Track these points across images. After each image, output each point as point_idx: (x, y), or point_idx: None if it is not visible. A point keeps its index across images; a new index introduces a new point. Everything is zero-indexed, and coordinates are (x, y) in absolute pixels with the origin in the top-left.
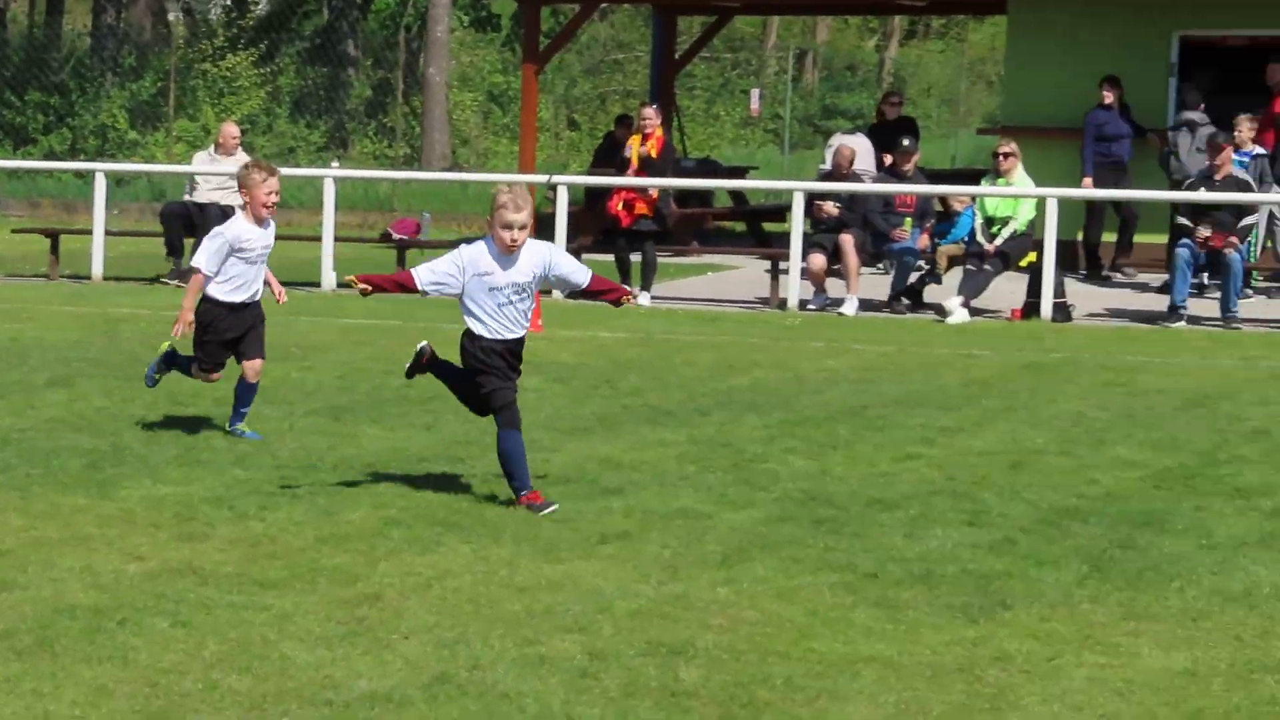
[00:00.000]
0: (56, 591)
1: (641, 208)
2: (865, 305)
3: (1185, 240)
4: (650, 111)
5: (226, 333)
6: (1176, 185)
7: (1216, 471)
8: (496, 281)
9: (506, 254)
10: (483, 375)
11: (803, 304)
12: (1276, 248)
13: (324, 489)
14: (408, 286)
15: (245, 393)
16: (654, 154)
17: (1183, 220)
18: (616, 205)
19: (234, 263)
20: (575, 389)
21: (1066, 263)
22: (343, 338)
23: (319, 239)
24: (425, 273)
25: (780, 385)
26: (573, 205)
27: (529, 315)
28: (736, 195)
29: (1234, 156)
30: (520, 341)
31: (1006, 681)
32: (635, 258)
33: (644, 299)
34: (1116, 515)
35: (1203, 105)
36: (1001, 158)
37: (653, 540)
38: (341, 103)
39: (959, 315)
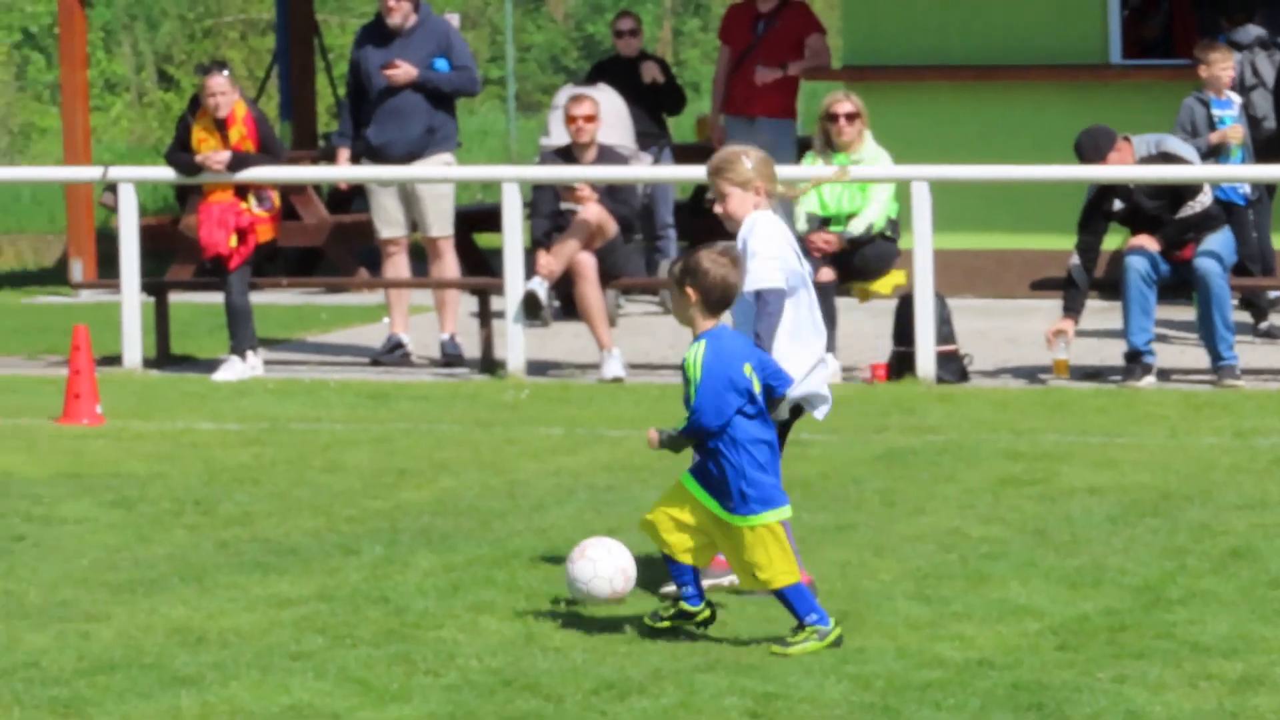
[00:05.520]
0: None
1: (266, 232)
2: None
3: (1140, 247)
4: (220, 81)
5: None
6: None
7: (1163, 618)
8: None
9: None
10: None
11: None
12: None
13: None
14: None
15: None
16: (251, 146)
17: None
18: (222, 239)
19: None
20: (143, 516)
21: (959, 287)
22: None
23: None
24: None
25: (482, 500)
26: (154, 215)
27: None
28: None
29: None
30: None
31: None
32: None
33: (233, 369)
34: (989, 695)
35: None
36: (841, 121)
37: None
38: None
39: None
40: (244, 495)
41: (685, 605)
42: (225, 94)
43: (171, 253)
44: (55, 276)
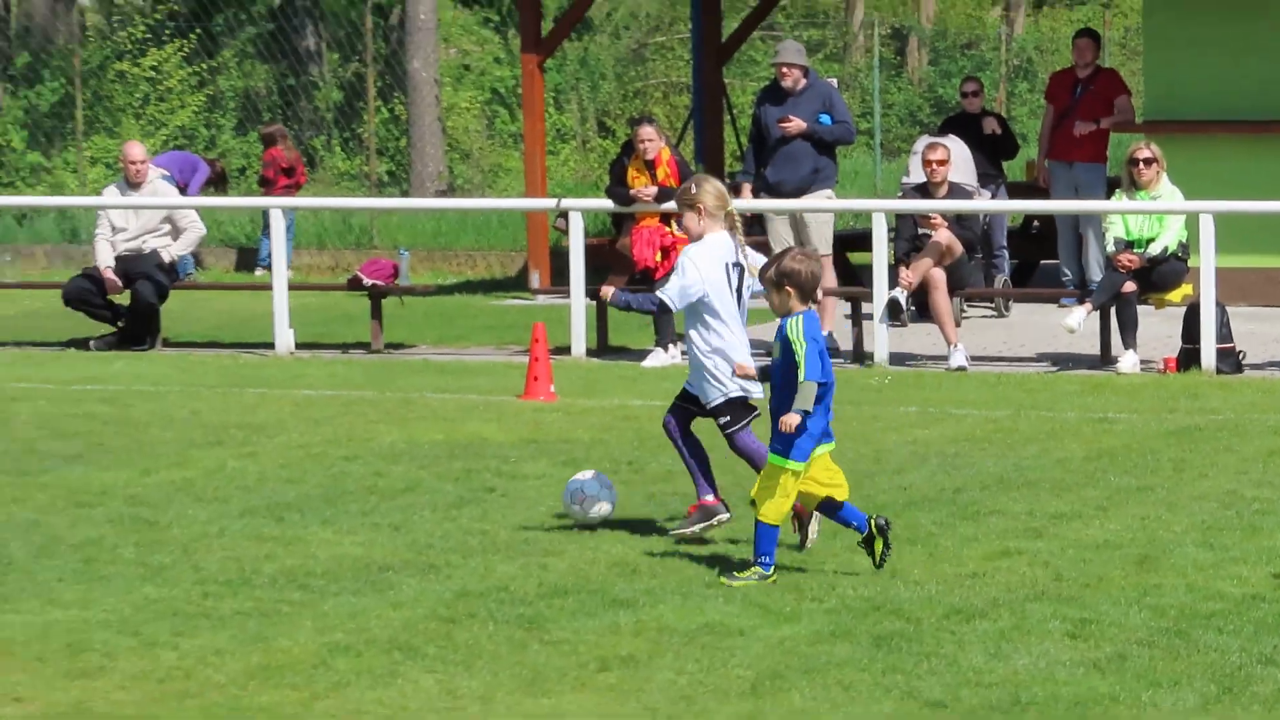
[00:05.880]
0: None
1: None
2: (979, 358)
3: None
4: (650, 130)
5: None
6: None
7: None
8: None
9: None
10: None
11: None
12: None
13: (256, 609)
14: None
15: None
16: (673, 182)
17: None
18: (650, 256)
19: None
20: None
21: (1236, 297)
22: (296, 414)
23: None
24: None
25: (853, 464)
26: (595, 236)
27: None
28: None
29: None
30: None
31: None
32: None
33: (658, 358)
34: (1261, 623)
35: None
36: (1141, 165)
37: (665, 665)
38: (302, 109)
39: (1129, 362)
40: (665, 458)
41: (761, 570)
42: (653, 140)
43: (608, 266)
44: (517, 284)
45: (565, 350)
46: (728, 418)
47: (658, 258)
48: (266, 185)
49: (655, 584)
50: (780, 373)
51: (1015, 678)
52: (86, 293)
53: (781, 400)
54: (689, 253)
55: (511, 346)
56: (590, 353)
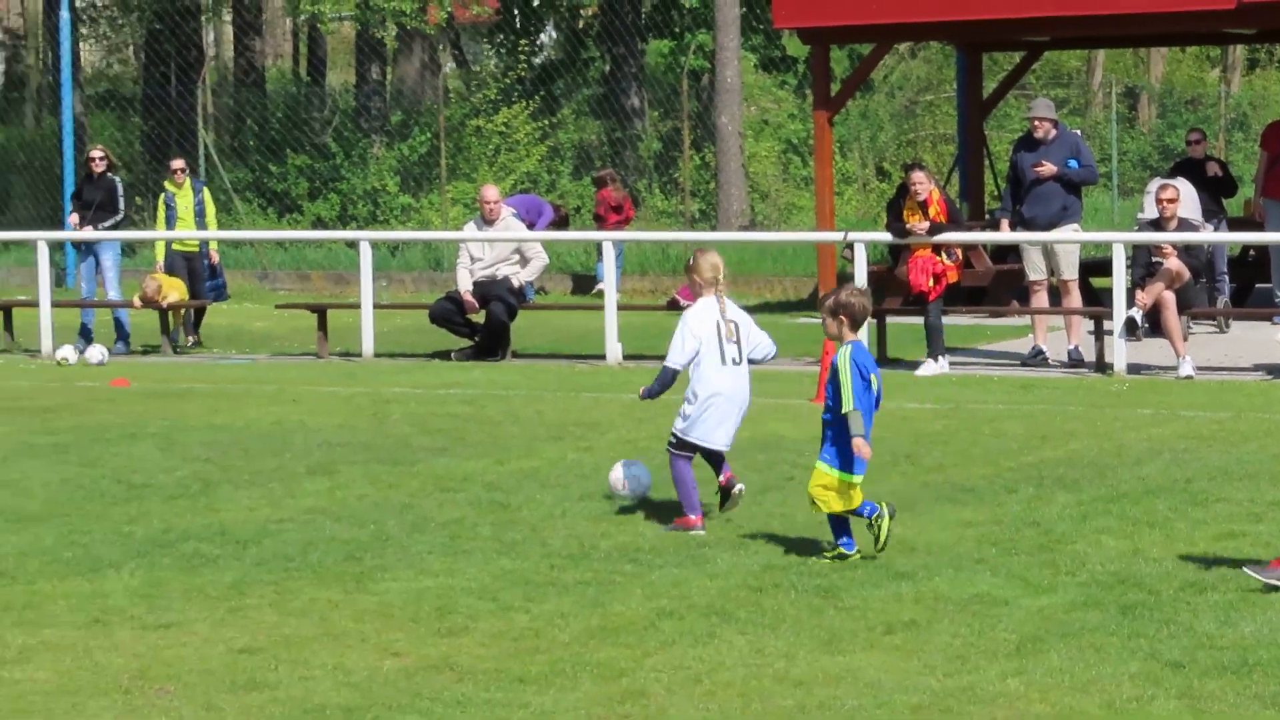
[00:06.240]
0: (307, 691)
1: (952, 276)
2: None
3: None
4: (920, 175)
5: None
6: None
7: None
8: None
9: None
10: None
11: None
12: None
13: (594, 579)
14: None
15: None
16: (943, 219)
17: None
18: (924, 281)
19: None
20: (871, 466)
21: None
22: (624, 415)
23: (602, 308)
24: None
25: (1097, 457)
26: (875, 264)
27: None
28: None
29: None
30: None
31: None
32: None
33: (930, 368)
34: None
35: None
36: None
37: (942, 629)
38: (628, 158)
39: None
40: (938, 452)
41: (843, 550)
42: (924, 183)
43: (885, 289)
44: (808, 305)
45: None
46: (673, 444)
47: (930, 283)
48: (599, 221)
49: (930, 560)
50: (832, 394)
51: (1243, 642)
52: (449, 312)
53: (836, 418)
54: (684, 317)
55: (805, 358)
56: None
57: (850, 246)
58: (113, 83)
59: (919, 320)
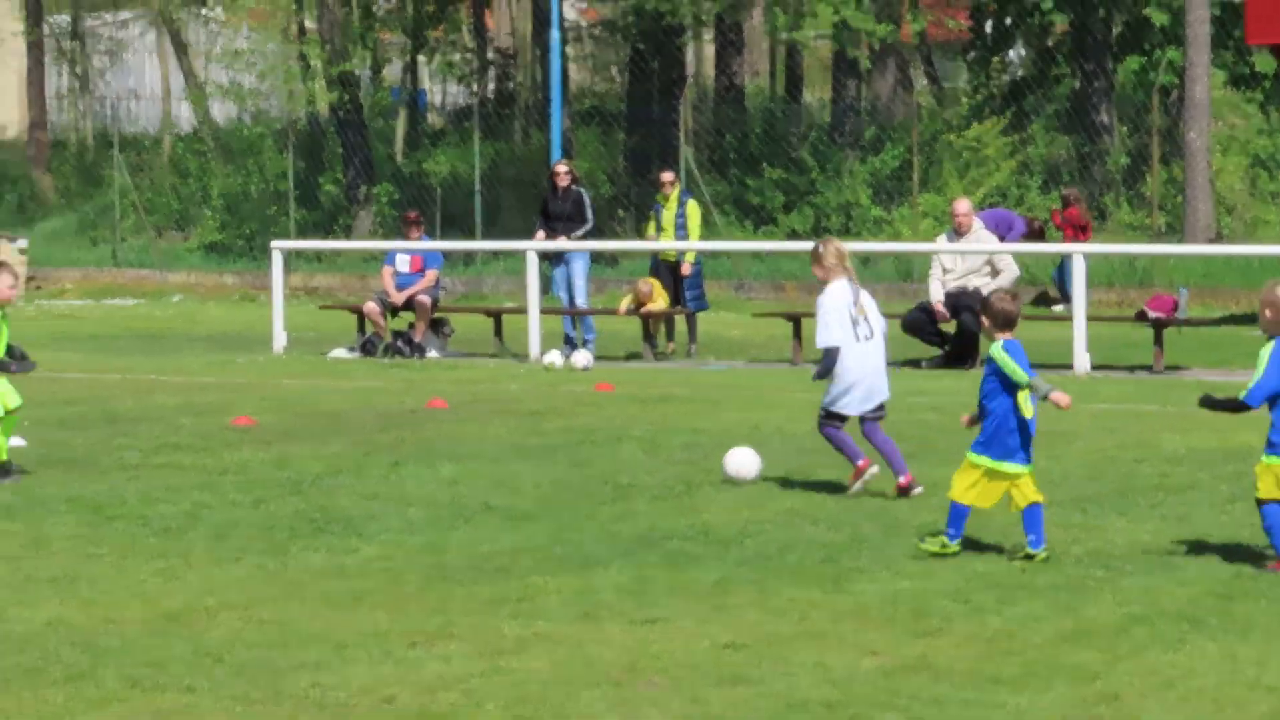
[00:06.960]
0: (789, 687)
1: None
2: None
3: None
4: None
5: None
6: None
7: None
8: None
9: None
10: None
11: None
12: None
13: (1065, 583)
14: None
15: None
16: None
17: None
18: None
19: None
20: None
21: None
22: (1093, 424)
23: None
24: None
25: None
26: None
27: None
28: None
29: None
30: None
31: None
32: None
33: None
34: None
35: None
36: None
37: None
38: (1096, 172)
39: None
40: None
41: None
42: None
43: None
44: None
45: None
46: (823, 415)
47: None
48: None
49: None
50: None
51: None
52: (921, 322)
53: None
54: (820, 302)
55: None
56: None
57: None
58: (598, 99)
59: None
